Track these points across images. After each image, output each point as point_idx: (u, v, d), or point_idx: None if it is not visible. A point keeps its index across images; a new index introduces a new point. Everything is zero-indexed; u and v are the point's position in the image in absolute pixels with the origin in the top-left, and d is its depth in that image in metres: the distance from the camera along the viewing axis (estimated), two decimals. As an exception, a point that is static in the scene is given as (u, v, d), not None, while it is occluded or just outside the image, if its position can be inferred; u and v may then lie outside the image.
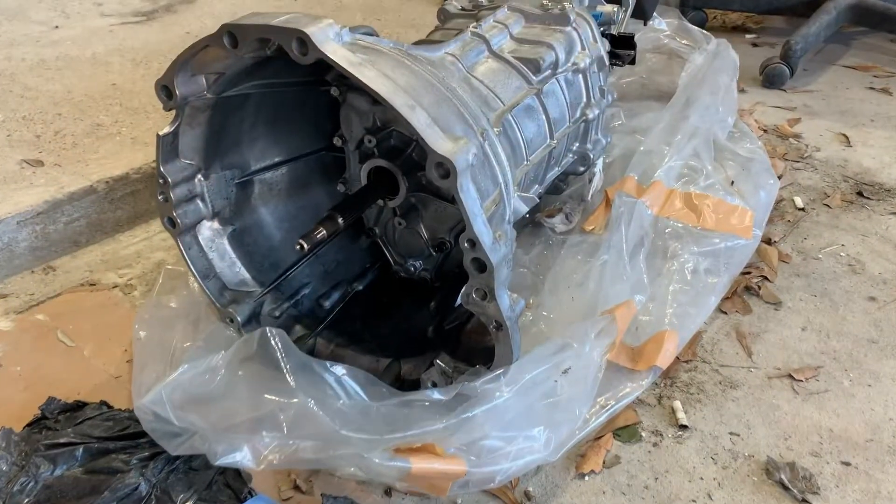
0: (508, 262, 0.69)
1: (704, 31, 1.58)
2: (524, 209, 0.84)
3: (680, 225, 1.06)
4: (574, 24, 1.03)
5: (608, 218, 1.06)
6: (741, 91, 1.67)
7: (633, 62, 1.25)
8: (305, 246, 0.73)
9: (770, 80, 1.67)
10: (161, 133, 0.79)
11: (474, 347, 0.82)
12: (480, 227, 0.64)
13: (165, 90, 0.75)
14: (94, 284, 1.05)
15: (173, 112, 0.78)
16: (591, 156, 1.12)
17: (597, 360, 0.79)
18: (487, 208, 0.69)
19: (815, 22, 1.71)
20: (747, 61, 1.84)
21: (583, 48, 1.04)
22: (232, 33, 0.70)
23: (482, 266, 0.67)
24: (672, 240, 1.04)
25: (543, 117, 0.98)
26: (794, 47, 1.63)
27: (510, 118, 0.91)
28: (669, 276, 0.97)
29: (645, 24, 1.53)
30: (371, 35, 0.84)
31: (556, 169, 1.09)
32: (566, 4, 1.03)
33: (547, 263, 1.05)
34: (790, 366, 0.89)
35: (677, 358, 0.89)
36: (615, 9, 1.21)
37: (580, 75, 1.06)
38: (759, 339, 0.94)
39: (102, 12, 1.99)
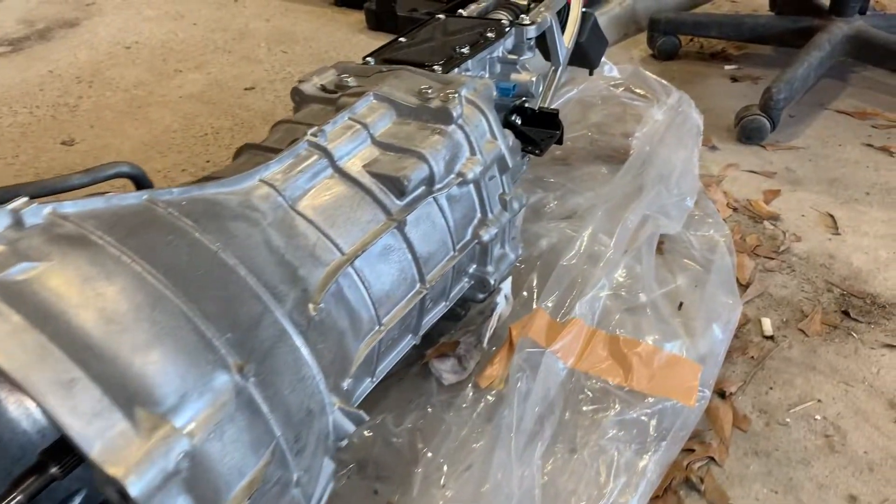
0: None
1: (663, 80, 1.35)
2: (349, 429, 0.62)
3: (600, 385, 0.83)
4: (460, 121, 0.80)
5: (510, 368, 0.84)
6: (711, 148, 1.44)
7: (559, 142, 1.02)
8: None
9: (747, 134, 1.44)
10: None
11: None
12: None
13: None
14: None
15: None
16: (492, 281, 0.89)
17: None
18: (238, 498, 0.46)
19: (803, 62, 1.48)
20: (724, 102, 1.62)
21: (473, 152, 0.81)
22: None
23: None
24: (589, 408, 0.81)
25: (409, 257, 0.75)
26: (776, 97, 1.40)
27: (351, 272, 0.69)
28: (579, 471, 0.75)
29: (591, 74, 1.30)
30: (137, 177, 0.63)
31: (444, 304, 0.86)
32: (450, 94, 0.79)
33: (428, 434, 0.82)
34: None
35: None
36: (533, 77, 0.98)
37: (470, 187, 0.83)
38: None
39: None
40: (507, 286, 0.94)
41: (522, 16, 1.04)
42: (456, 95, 0.81)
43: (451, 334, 0.97)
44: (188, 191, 0.62)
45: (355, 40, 1.69)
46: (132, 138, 1.27)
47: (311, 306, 0.62)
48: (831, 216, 1.24)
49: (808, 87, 1.51)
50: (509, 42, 1.02)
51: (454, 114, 0.79)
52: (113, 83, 1.50)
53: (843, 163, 1.40)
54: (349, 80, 0.87)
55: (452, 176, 0.80)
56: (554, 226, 1.16)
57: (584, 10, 1.23)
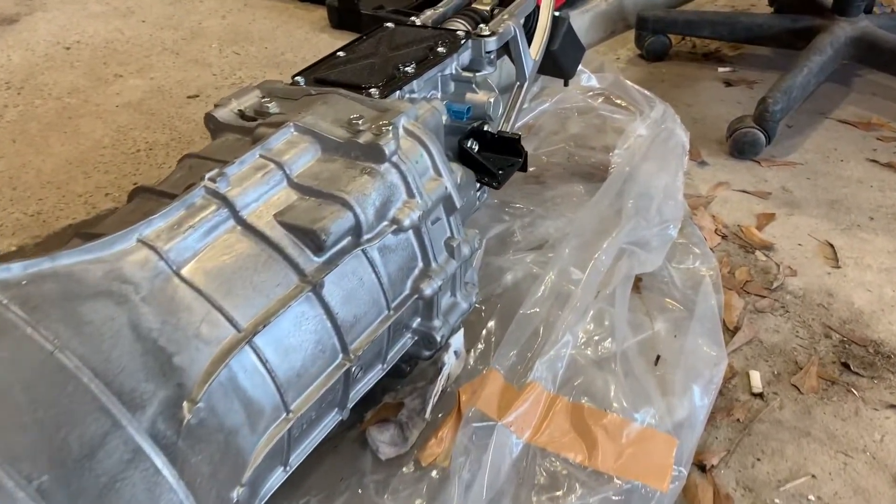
0: None
1: (647, 92, 1.24)
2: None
3: (560, 465, 0.73)
4: (395, 159, 0.69)
5: (455, 449, 0.73)
6: (700, 163, 1.33)
7: (523, 169, 0.91)
8: None
9: (740, 148, 1.33)
10: None
11: None
12: None
13: None
14: None
15: None
16: (439, 337, 0.78)
17: None
18: None
19: (802, 67, 1.37)
20: (716, 110, 1.51)
21: (411, 194, 0.70)
22: None
23: None
24: (544, 497, 0.71)
25: (328, 325, 0.64)
26: (773, 108, 1.29)
27: (249, 352, 0.58)
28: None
29: (566, 84, 1.18)
30: None
31: (380, 368, 0.75)
32: (383, 125, 0.68)
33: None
34: None
35: None
36: (491, 98, 0.86)
37: (409, 233, 0.72)
38: None
39: None
40: (458, 340, 0.83)
41: (481, 25, 0.92)
42: (391, 127, 0.69)
43: (396, 391, 0.86)
44: (35, 264, 0.51)
45: (315, 40, 1.57)
46: (56, 155, 1.16)
47: (185, 406, 0.51)
48: (831, 245, 1.13)
49: (807, 95, 1.40)
50: (466, 56, 0.91)
51: (387, 150, 0.68)
52: (45, 90, 1.38)
53: (845, 182, 1.29)
54: (270, 105, 0.76)
55: (385, 223, 0.69)
56: (520, 258, 1.05)
57: (556, 13, 1.12)
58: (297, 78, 0.82)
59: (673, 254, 1.08)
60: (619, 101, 1.27)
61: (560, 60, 1.14)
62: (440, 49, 0.87)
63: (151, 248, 0.58)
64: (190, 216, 0.61)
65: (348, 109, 0.74)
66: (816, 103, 1.51)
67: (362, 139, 0.69)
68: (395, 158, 0.70)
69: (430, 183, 0.74)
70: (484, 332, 0.92)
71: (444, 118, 0.84)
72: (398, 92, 0.80)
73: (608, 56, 1.77)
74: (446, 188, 0.75)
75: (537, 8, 1.06)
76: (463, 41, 0.90)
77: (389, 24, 0.95)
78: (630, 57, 1.76)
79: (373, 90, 0.78)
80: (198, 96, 1.35)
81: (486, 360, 0.87)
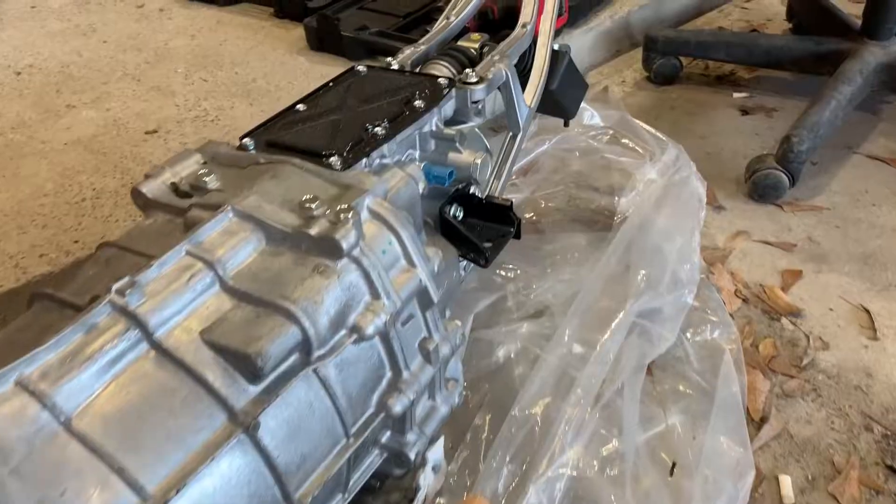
0: None
1: (657, 132, 1.12)
2: None
3: None
4: (356, 253, 0.57)
5: None
6: (717, 207, 1.21)
7: (517, 236, 0.79)
8: None
9: (760, 192, 1.21)
10: None
11: None
12: None
13: None
14: None
15: None
16: (412, 455, 0.66)
17: None
18: None
19: (829, 99, 1.25)
20: (732, 143, 1.39)
21: (376, 294, 0.59)
22: None
23: None
24: None
25: (266, 474, 0.52)
26: (798, 147, 1.17)
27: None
28: None
29: (566, 125, 1.06)
30: None
31: (340, 498, 0.63)
32: (342, 212, 0.57)
33: None
34: None
35: None
36: (478, 159, 0.75)
37: (375, 340, 0.60)
38: None
39: None
40: (436, 453, 0.71)
41: (468, 71, 0.80)
42: (351, 214, 0.57)
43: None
44: None
45: (292, 64, 1.45)
46: (-10, 204, 1.04)
47: None
48: (866, 311, 1.01)
49: (835, 128, 1.28)
50: (449, 107, 0.79)
51: (344, 245, 0.56)
52: (-13, 123, 1.26)
53: (879, 230, 1.17)
54: (209, 179, 0.64)
55: (343, 333, 0.57)
56: (515, 330, 0.94)
57: (555, 47, 1.00)
58: (245, 140, 0.70)
59: (688, 322, 0.96)
60: (625, 141, 1.15)
61: (559, 100, 1.02)
62: (417, 102, 0.74)
63: (33, 393, 0.46)
64: (88, 342, 0.49)
65: (301, 187, 0.62)
66: (842, 135, 1.38)
67: (315, 230, 0.57)
68: (355, 252, 0.58)
69: (401, 276, 0.62)
70: (471, 429, 0.80)
71: (422, 186, 0.72)
72: (365, 160, 0.67)
73: (613, 78, 1.65)
74: (420, 281, 0.63)
75: (534, 42, 0.94)
76: (446, 90, 0.78)
77: (361, 69, 0.83)
78: (637, 79, 1.64)
79: (334, 158, 0.66)
80: (156, 132, 1.23)
81: (472, 468, 0.75)
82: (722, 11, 1.97)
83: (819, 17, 1.55)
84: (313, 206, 0.59)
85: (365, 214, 0.61)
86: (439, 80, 0.79)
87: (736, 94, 1.57)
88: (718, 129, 1.45)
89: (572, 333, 0.89)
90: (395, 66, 0.85)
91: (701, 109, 1.52)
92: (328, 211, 0.59)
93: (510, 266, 1.01)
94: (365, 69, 0.83)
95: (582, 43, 1.63)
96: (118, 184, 1.10)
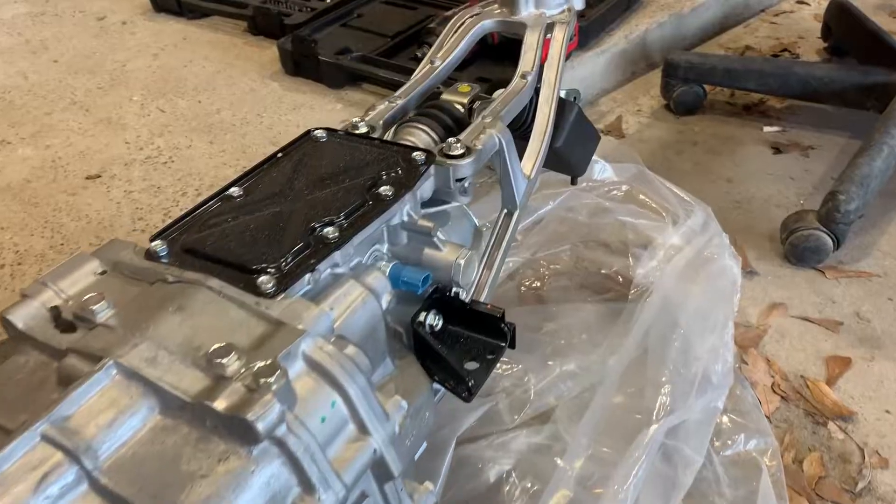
0: None
1: (681, 192, 0.96)
2: None
3: None
4: (281, 433, 0.42)
5: None
6: (748, 273, 1.06)
7: (512, 345, 0.64)
8: None
9: (799, 255, 1.06)
10: None
11: None
12: None
13: None
14: None
15: None
16: None
17: None
18: None
19: (880, 146, 1.10)
20: (763, 188, 1.24)
21: (310, 488, 0.44)
22: None
23: None
24: None
25: None
26: (845, 206, 1.02)
27: None
28: None
29: (573, 182, 0.91)
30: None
31: None
32: (262, 374, 0.42)
33: None
34: None
35: None
36: (462, 257, 0.60)
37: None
38: None
39: None
40: None
41: (451, 141, 0.65)
42: (274, 377, 0.42)
43: None
44: None
45: (263, 92, 1.30)
46: None
47: None
48: (932, 415, 0.86)
49: (885, 179, 1.12)
50: (427, 187, 0.64)
51: (261, 427, 0.41)
52: None
53: (941, 306, 1.01)
54: (97, 308, 0.49)
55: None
56: (510, 441, 0.79)
57: (562, 94, 0.85)
58: (155, 244, 0.55)
59: (717, 429, 0.81)
60: (643, 199, 1.00)
61: (566, 157, 0.87)
62: (384, 189, 0.59)
63: None
64: None
65: (215, 326, 0.47)
66: (892, 182, 1.23)
67: (223, 402, 0.42)
68: (279, 432, 0.43)
69: (349, 448, 0.47)
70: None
71: (387, 300, 0.57)
72: (308, 275, 0.52)
73: (628, 106, 1.49)
74: (375, 451, 0.48)
75: (536, 94, 0.78)
76: (423, 168, 0.62)
77: (319, 134, 0.68)
78: (654, 108, 1.48)
79: (265, 277, 0.51)
80: (100, 176, 1.09)
81: None
82: (748, 27, 1.81)
83: (864, 43, 1.39)
84: (225, 360, 0.44)
85: (299, 367, 0.46)
86: (414, 154, 0.63)
87: (767, 129, 1.40)
88: (747, 171, 1.29)
89: (581, 450, 0.74)
90: (363, 129, 0.70)
91: (727, 146, 1.37)
92: (244, 370, 0.44)
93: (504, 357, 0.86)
94: (324, 135, 0.68)
95: (594, 67, 1.47)
96: (46, 245, 0.96)
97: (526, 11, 0.82)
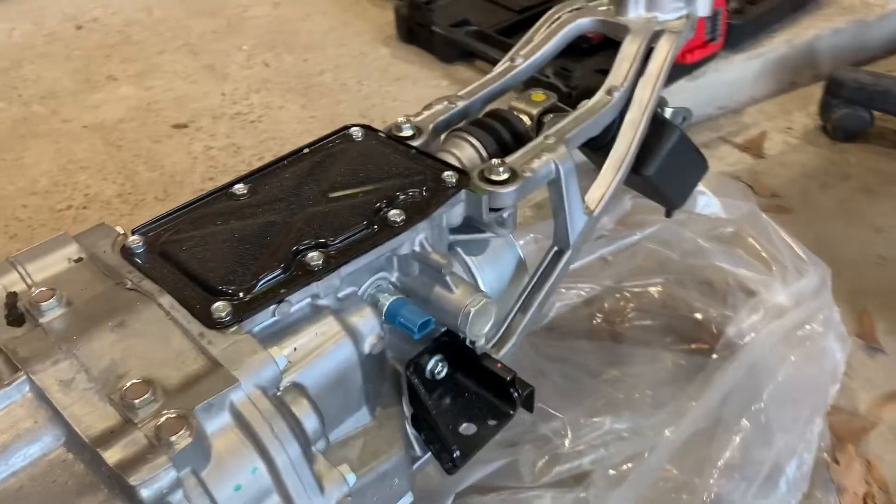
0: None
1: (799, 246, 0.82)
2: None
3: None
4: (176, 500, 0.37)
5: None
6: (872, 349, 0.90)
7: (529, 408, 0.56)
8: None
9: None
10: None
11: None
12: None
13: None
14: None
15: None
16: None
17: None
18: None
19: None
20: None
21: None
22: None
23: None
24: None
25: None
26: None
27: None
28: None
29: (668, 215, 0.79)
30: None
31: None
32: (167, 428, 0.37)
33: None
34: None
35: None
36: (474, 304, 0.52)
37: None
38: None
39: None
40: None
41: (494, 162, 0.56)
42: (180, 434, 0.37)
43: None
44: None
45: (372, 57, 1.25)
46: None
47: None
48: None
49: None
50: (457, 212, 0.56)
51: (146, 495, 0.36)
52: (20, 88, 1.17)
53: None
54: (45, 306, 0.45)
55: None
56: (529, 499, 0.70)
57: (668, 112, 0.73)
58: (132, 240, 0.50)
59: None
60: (752, 243, 0.86)
61: (659, 187, 0.75)
62: (393, 213, 0.51)
63: None
64: None
65: (147, 355, 0.42)
66: None
67: (115, 455, 0.37)
68: (173, 499, 0.37)
69: (267, 522, 0.41)
70: None
71: (371, 343, 0.50)
72: (274, 307, 0.46)
73: (777, 122, 1.31)
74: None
75: (626, 108, 0.67)
76: (451, 192, 0.54)
77: (356, 132, 0.61)
78: (808, 128, 1.29)
79: (220, 304, 0.45)
80: (186, 126, 1.08)
81: None
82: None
83: None
84: (139, 400, 0.39)
85: (223, 421, 0.41)
86: (445, 174, 0.55)
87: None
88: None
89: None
90: (408, 132, 0.62)
91: (886, 187, 1.16)
92: (156, 416, 0.39)
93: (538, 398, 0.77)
94: (361, 134, 0.61)
95: (744, 71, 1.30)
96: (115, 192, 0.96)
97: (634, 13, 0.71)
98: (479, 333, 0.54)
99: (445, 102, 0.67)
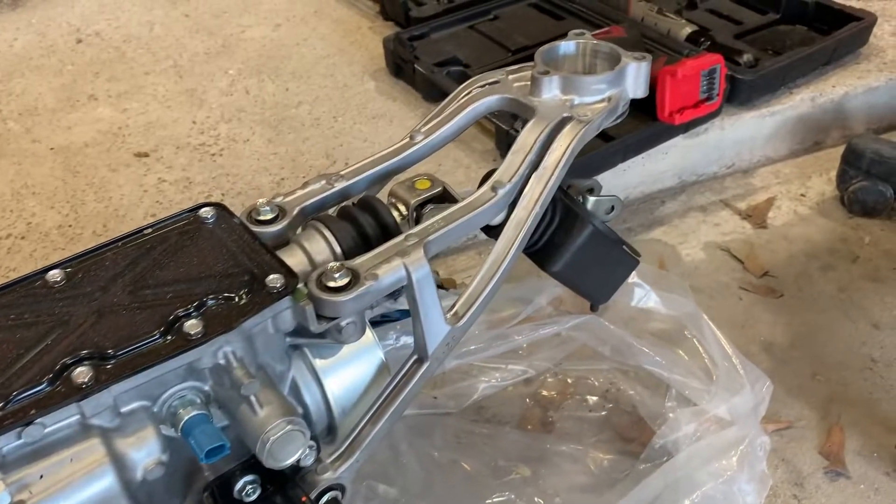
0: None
1: (738, 356, 0.73)
2: None
3: None
4: None
5: None
6: (833, 473, 0.80)
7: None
8: None
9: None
10: None
11: None
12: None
13: None
14: None
15: None
16: None
17: None
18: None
19: None
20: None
21: None
22: None
23: None
24: None
25: None
26: None
27: None
28: None
29: (593, 309, 0.72)
30: None
31: None
32: None
33: None
34: None
35: None
36: (275, 431, 0.48)
37: None
38: None
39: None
40: None
41: (332, 266, 0.51)
42: None
43: None
44: None
45: (356, 90, 1.21)
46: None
47: None
48: None
49: None
50: (286, 319, 0.51)
51: None
52: (1, 102, 1.18)
53: None
54: None
55: None
56: None
57: (586, 205, 0.66)
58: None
59: None
60: (692, 342, 0.77)
61: (572, 284, 0.68)
62: (189, 325, 0.47)
63: None
64: None
65: None
66: None
67: None
68: None
69: None
70: None
71: (147, 466, 0.46)
72: (22, 428, 0.42)
73: (791, 186, 1.20)
74: None
75: (519, 197, 0.60)
76: (273, 297, 0.49)
77: (205, 213, 0.56)
78: (824, 197, 1.18)
79: (-32, 420, 0.42)
80: (147, 156, 1.07)
81: None
82: None
83: None
84: None
85: None
86: (270, 278, 0.50)
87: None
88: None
89: None
90: (269, 215, 0.58)
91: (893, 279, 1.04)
92: None
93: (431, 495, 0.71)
94: (212, 217, 0.57)
95: (757, 130, 1.20)
96: (55, 223, 0.95)
97: (548, 93, 0.64)
98: (281, 462, 0.49)
99: (323, 182, 0.62)
